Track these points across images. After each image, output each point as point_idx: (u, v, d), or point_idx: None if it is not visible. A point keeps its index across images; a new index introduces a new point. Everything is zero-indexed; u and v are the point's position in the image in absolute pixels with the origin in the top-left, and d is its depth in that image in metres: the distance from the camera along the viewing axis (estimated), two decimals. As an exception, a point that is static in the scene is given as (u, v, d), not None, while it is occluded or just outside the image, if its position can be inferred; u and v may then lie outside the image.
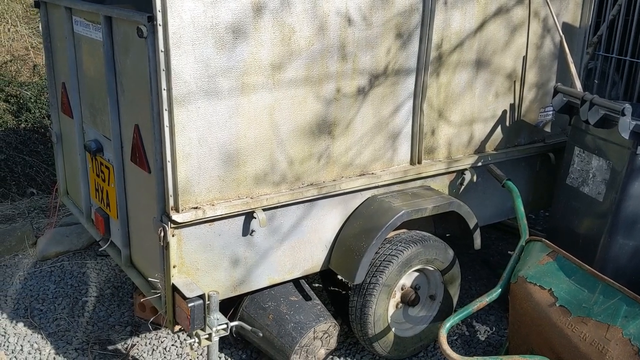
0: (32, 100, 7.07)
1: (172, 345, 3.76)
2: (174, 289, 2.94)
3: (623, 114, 3.35)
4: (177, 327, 3.07)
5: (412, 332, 3.68)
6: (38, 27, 7.86)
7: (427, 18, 3.37)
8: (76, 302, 4.16)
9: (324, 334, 3.40)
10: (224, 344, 3.73)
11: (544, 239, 3.26)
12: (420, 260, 3.50)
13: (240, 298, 3.44)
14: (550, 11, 3.88)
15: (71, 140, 3.99)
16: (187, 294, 2.84)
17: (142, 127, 2.98)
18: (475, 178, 3.92)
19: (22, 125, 6.94)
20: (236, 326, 3.34)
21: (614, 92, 5.66)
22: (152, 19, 2.60)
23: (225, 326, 2.96)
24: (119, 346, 3.76)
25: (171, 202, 2.85)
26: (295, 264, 3.35)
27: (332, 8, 3.03)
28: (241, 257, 3.14)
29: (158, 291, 3.12)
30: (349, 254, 3.36)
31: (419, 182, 3.71)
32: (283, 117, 3.04)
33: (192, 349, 3.02)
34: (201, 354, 3.64)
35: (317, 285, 4.35)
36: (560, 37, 3.95)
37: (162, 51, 2.64)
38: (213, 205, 2.94)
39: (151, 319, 3.67)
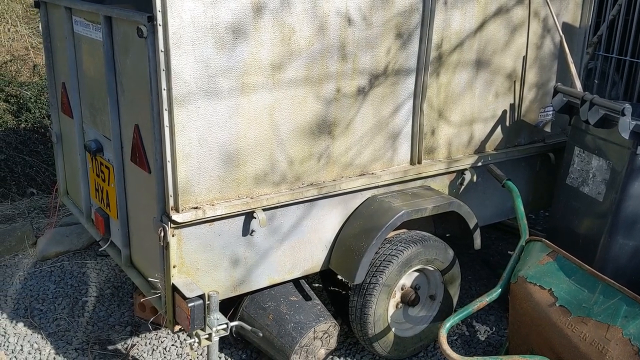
0: (32, 100, 7.07)
1: (172, 345, 3.76)
2: (174, 289, 2.94)
3: (623, 114, 3.35)
4: (177, 327, 3.07)
5: (412, 332, 3.68)
6: (38, 27, 7.86)
7: (427, 18, 3.37)
8: (76, 302, 4.16)
9: (324, 334, 3.40)
10: (224, 344, 3.74)
11: (544, 239, 3.26)
12: (420, 260, 3.50)
13: (240, 298, 3.44)
14: (550, 11, 3.88)
15: (71, 140, 3.99)
16: (187, 294, 2.84)
17: (142, 127, 2.98)
18: (475, 178, 3.92)
19: (22, 125, 6.94)
20: (236, 326, 3.34)
21: (614, 92, 5.66)
22: (152, 19, 2.60)
23: (225, 326, 2.96)
24: (119, 346, 3.76)
25: (171, 202, 2.85)
26: (295, 264, 3.35)
27: (332, 8, 3.03)
28: (241, 257, 3.14)
29: (158, 291, 3.12)
30: (349, 254, 3.36)
31: (419, 182, 3.71)
32: (283, 117, 3.04)
33: (192, 349, 3.02)
34: (201, 354, 3.64)
35: (317, 285, 4.35)
36: (560, 37, 3.95)
37: (162, 51, 2.64)
38: (213, 205, 2.94)
39: (151, 319, 3.67)
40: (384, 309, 3.46)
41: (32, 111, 7.03)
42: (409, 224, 3.55)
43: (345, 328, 3.84)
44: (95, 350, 3.70)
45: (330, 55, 3.10)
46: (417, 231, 3.60)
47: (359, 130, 3.35)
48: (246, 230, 3.11)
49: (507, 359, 2.88)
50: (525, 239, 3.37)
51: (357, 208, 3.48)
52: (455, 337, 3.93)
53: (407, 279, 3.60)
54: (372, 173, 3.48)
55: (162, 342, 3.78)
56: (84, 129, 3.74)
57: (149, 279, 3.22)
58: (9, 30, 8.15)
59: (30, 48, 8.05)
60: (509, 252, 4.99)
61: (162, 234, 2.87)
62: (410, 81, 3.46)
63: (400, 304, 3.62)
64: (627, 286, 2.86)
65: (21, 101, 7.10)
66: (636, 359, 2.65)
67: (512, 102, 3.97)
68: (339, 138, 3.28)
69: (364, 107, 3.33)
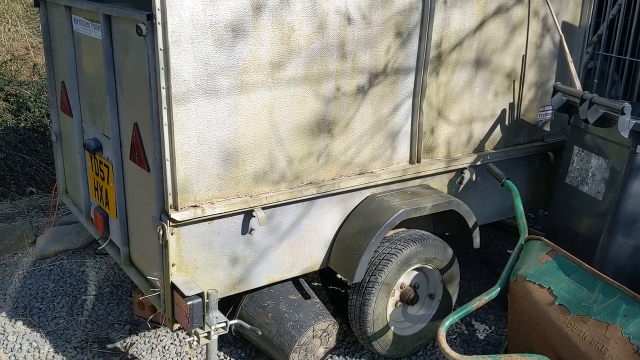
0: (32, 100, 7.07)
1: (171, 343, 3.76)
2: (173, 287, 2.94)
3: (622, 113, 3.34)
4: (176, 326, 3.07)
5: (411, 330, 3.68)
6: (38, 27, 7.86)
7: (426, 17, 3.37)
8: (75, 300, 4.16)
9: (323, 332, 3.40)
10: (223, 342, 3.73)
11: (543, 238, 3.26)
12: (420, 259, 3.50)
13: (239, 296, 3.44)
14: (550, 10, 3.88)
15: (71, 139, 3.99)
16: (186, 292, 2.84)
17: (141, 125, 2.98)
18: (474, 177, 3.92)
19: (22, 124, 6.94)
20: (235, 324, 3.34)
21: (614, 92, 5.66)
22: (151, 17, 2.60)
23: (224, 324, 2.96)
24: (118, 345, 3.76)
25: (170, 201, 2.85)
26: (294, 263, 3.35)
27: (332, 6, 3.03)
28: (240, 255, 3.14)
29: (157, 289, 3.12)
30: (348, 252, 3.36)
31: (418, 181, 3.71)
32: (282, 115, 3.04)
33: (191, 347, 3.02)
34: (200, 353, 3.64)
35: (316, 284, 4.35)
36: (560, 36, 3.95)
37: (161, 49, 2.64)
38: (212, 203, 2.93)
39: (150, 318, 3.67)
40: (383, 307, 3.46)
41: (32, 110, 7.03)
42: (408, 223, 3.55)
43: (345, 327, 3.84)
44: (94, 349, 3.70)
45: (330, 53, 3.10)
46: (416, 230, 3.60)
47: (358, 129, 3.35)
48: (245, 229, 3.11)
49: (506, 358, 2.88)
50: (525, 237, 3.37)
51: (356, 207, 3.48)
52: (454, 336, 3.93)
53: (406, 278, 3.60)
54: (372, 172, 3.48)
55: (161, 341, 3.78)
56: (84, 128, 3.74)
57: (148, 277, 3.22)
58: (9, 30, 8.15)
59: (30, 48, 8.04)
60: (508, 251, 4.99)
61: (161, 232, 2.86)
62: (410, 80, 3.46)
63: (400, 303, 3.62)
64: (626, 285, 2.86)
65: (21, 100, 7.10)
66: (635, 357, 2.65)
67: (512, 101, 3.97)
68: (338, 137, 3.28)
69: (364, 106, 3.33)
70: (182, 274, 2.97)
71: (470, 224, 3.69)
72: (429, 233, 3.60)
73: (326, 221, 3.39)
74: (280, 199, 3.13)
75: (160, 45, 2.63)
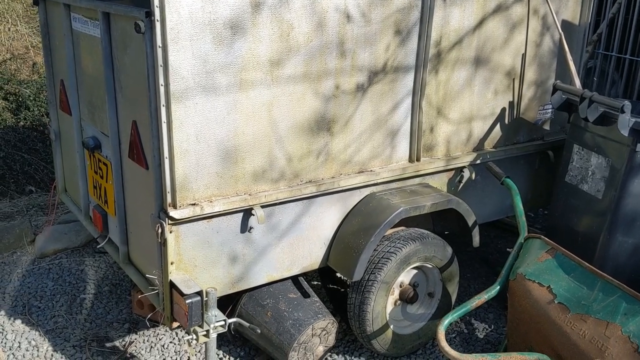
0: (31, 98, 7.07)
1: (170, 342, 3.75)
2: (172, 285, 2.93)
3: (622, 111, 3.34)
4: (175, 324, 3.06)
5: (411, 329, 3.68)
6: (38, 26, 7.86)
7: (426, 15, 3.37)
8: (74, 299, 4.16)
9: (322, 331, 3.39)
10: (222, 341, 3.73)
11: (542, 236, 3.25)
12: (419, 257, 3.50)
13: (238, 295, 3.44)
14: (550, 9, 3.87)
15: (70, 138, 3.99)
16: (185, 291, 2.83)
17: (139, 123, 2.97)
18: (474, 176, 3.91)
19: (21, 123, 6.94)
20: (234, 323, 3.34)
21: (614, 91, 5.65)
22: (149, 14, 2.60)
23: (223, 323, 2.95)
24: (116, 343, 3.75)
25: (169, 199, 2.84)
26: (293, 261, 3.34)
27: (331, 4, 3.03)
28: (239, 254, 3.13)
29: (156, 288, 3.11)
30: (347, 251, 3.36)
31: (417, 180, 3.70)
32: (281, 113, 3.04)
33: (190, 345, 3.01)
34: (199, 351, 3.64)
35: (315, 282, 4.35)
36: (560, 35, 3.94)
37: (159, 47, 2.63)
38: (211, 201, 2.93)
39: (149, 316, 3.66)
40: (383, 306, 3.45)
41: (31, 109, 7.03)
42: (407, 222, 3.55)
43: (344, 325, 3.83)
44: (93, 348, 3.70)
45: (329, 51, 3.10)
46: (416, 229, 3.60)
47: (357, 128, 3.34)
48: (244, 227, 3.10)
49: (506, 357, 2.87)
50: (524, 236, 3.37)
51: (355, 205, 3.48)
52: (453, 335, 3.93)
53: (406, 277, 3.60)
54: (371, 170, 3.47)
55: (160, 339, 3.77)
56: (83, 126, 3.74)
57: (147, 275, 3.22)
58: (9, 29, 8.14)
59: (30, 47, 8.04)
60: (507, 249, 4.98)
61: (159, 230, 2.86)
62: (409, 78, 3.45)
63: (399, 302, 3.62)
64: (626, 284, 2.85)
65: (20, 99, 7.10)
66: (635, 356, 2.65)
67: (511, 99, 3.97)
68: (337, 135, 3.28)
69: (363, 104, 3.32)
70: (181, 272, 2.97)
71: (470, 223, 3.69)
72: (428, 232, 3.59)
73: (325, 220, 3.39)
74: (279, 197, 3.12)
75: (159, 42, 2.62)
